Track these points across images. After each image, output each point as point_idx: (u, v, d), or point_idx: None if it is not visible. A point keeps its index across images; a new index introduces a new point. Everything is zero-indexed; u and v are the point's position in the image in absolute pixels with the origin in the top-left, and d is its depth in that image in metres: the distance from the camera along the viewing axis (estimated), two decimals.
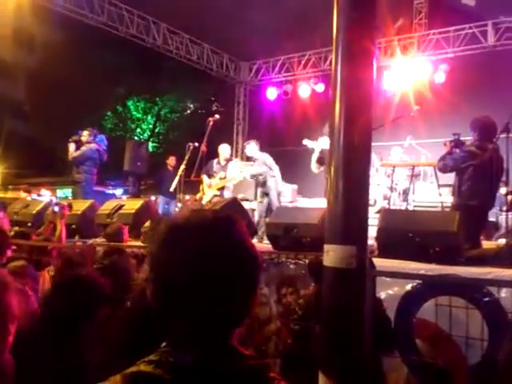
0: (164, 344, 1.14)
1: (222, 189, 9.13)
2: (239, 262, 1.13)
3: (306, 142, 8.97)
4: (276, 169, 8.91)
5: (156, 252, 1.16)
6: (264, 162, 8.89)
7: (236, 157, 14.86)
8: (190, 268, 1.09)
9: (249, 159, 10.14)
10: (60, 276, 4.24)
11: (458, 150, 5.99)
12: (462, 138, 6.20)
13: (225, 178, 9.09)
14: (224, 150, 9.39)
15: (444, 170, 6.07)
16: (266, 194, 8.86)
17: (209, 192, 9.04)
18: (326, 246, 1.83)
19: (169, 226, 1.18)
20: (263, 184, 8.88)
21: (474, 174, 5.58)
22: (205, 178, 9.10)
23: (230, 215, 1.21)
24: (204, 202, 8.81)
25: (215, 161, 9.31)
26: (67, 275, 3.08)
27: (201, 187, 9.13)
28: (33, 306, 3.19)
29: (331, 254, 1.80)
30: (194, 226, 1.15)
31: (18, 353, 2.39)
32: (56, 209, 6.30)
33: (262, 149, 9.28)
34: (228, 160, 9.38)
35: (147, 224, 5.39)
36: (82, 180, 9.53)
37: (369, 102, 1.94)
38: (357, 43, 1.96)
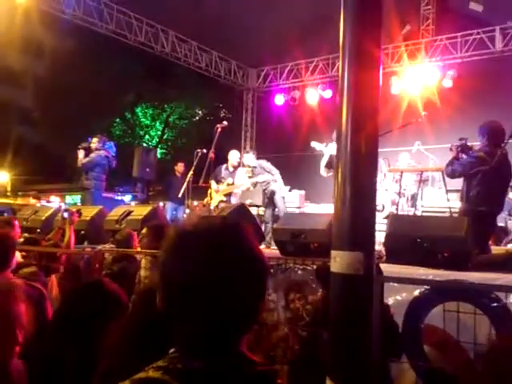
0: (172, 350, 1.15)
1: (228, 195, 9.18)
2: (247, 268, 1.14)
3: (313, 144, 8.99)
4: (276, 172, 8.97)
5: (165, 258, 1.17)
6: (263, 168, 8.94)
7: (244, 163, 14.87)
8: (198, 274, 1.10)
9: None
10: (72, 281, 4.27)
11: (464, 155, 5.97)
12: (469, 143, 6.18)
13: (232, 184, 9.13)
14: (233, 156, 9.44)
15: (452, 175, 6.04)
16: (271, 200, 8.91)
17: (216, 197, 9.08)
18: (333, 252, 1.84)
19: (177, 233, 1.19)
20: (267, 190, 8.94)
21: (483, 179, 5.56)
22: (213, 183, 9.15)
23: (238, 221, 1.22)
24: (211, 207, 8.85)
25: (224, 166, 9.36)
26: (86, 280, 3.10)
27: (209, 192, 9.17)
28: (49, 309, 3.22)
29: (338, 260, 1.81)
30: (202, 232, 1.16)
31: (32, 356, 2.41)
32: (65, 215, 6.33)
33: (271, 154, 9.34)
34: (236, 167, 9.43)
35: (144, 231, 5.39)
36: (91, 186, 9.59)
37: (376, 108, 1.94)
38: (364, 49, 1.97)
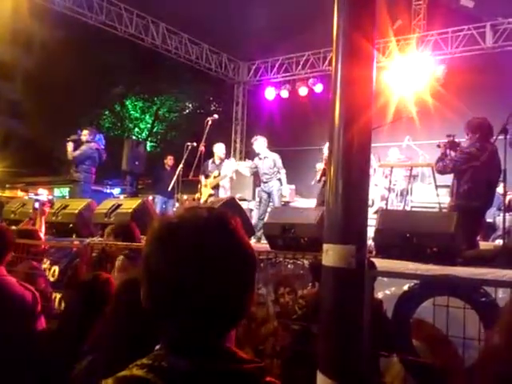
0: (158, 347, 1.11)
1: (216, 187, 9.17)
2: (234, 260, 1.10)
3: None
4: (283, 172, 8.97)
5: (149, 250, 1.13)
6: (274, 163, 8.90)
7: (234, 156, 14.87)
8: (183, 267, 1.06)
9: (248, 157, 10.12)
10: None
11: (452, 152, 6.00)
12: (456, 139, 6.20)
13: (219, 175, 9.13)
14: (218, 149, 9.46)
15: (443, 171, 6.06)
16: (268, 194, 8.88)
17: (204, 191, 9.09)
18: (325, 246, 1.83)
19: (162, 224, 1.15)
20: (267, 184, 8.90)
21: (473, 175, 5.59)
22: (202, 178, 9.15)
23: (225, 212, 1.17)
24: (201, 201, 8.85)
25: (210, 161, 9.39)
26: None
27: (199, 187, 9.19)
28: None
29: (330, 254, 1.80)
30: (187, 224, 1.12)
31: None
32: (36, 205, 6.26)
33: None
34: (223, 159, 9.44)
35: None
36: (80, 179, 9.53)
37: (369, 103, 1.94)
38: (357, 44, 1.96)
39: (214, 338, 1.10)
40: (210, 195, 9.03)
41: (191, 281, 1.06)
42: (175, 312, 1.08)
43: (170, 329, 1.10)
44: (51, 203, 6.60)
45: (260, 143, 9.14)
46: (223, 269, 1.08)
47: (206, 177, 9.21)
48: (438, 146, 6.21)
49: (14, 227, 6.70)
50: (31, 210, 6.94)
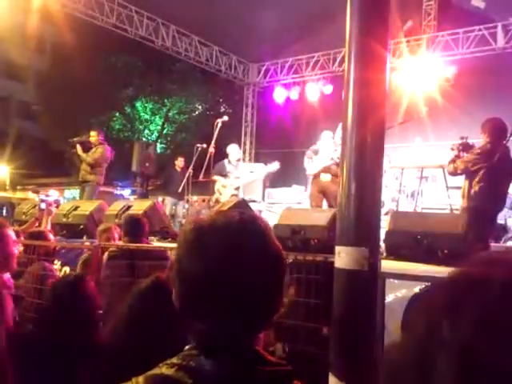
0: (188, 347, 1.13)
1: (238, 188, 9.07)
2: (267, 261, 1.12)
3: None
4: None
5: (182, 253, 1.15)
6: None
7: (244, 158, 14.88)
8: (216, 269, 1.08)
9: (257, 158, 10.03)
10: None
11: (465, 154, 5.96)
12: (469, 141, 6.17)
13: (239, 177, 9.03)
14: (233, 149, 9.32)
15: (455, 172, 6.03)
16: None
17: (226, 192, 8.93)
18: (338, 248, 1.82)
19: (195, 227, 1.16)
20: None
21: (485, 176, 5.55)
22: (220, 179, 8.97)
23: (255, 214, 1.20)
24: (222, 201, 8.76)
25: (226, 161, 9.25)
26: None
27: (215, 188, 9.04)
28: None
29: (343, 256, 1.80)
30: (220, 227, 1.14)
31: None
32: (42, 206, 6.26)
33: (271, 150, 9.30)
34: (238, 160, 9.37)
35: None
36: (94, 180, 9.57)
37: (382, 104, 1.93)
38: (370, 46, 1.95)
39: (244, 339, 1.11)
40: (233, 195, 8.89)
41: (225, 282, 1.08)
42: (207, 313, 1.09)
43: (200, 329, 1.11)
44: (57, 203, 6.59)
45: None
46: (257, 270, 1.10)
47: (224, 177, 9.05)
48: (452, 148, 6.17)
49: (17, 227, 6.71)
50: (37, 211, 6.96)
